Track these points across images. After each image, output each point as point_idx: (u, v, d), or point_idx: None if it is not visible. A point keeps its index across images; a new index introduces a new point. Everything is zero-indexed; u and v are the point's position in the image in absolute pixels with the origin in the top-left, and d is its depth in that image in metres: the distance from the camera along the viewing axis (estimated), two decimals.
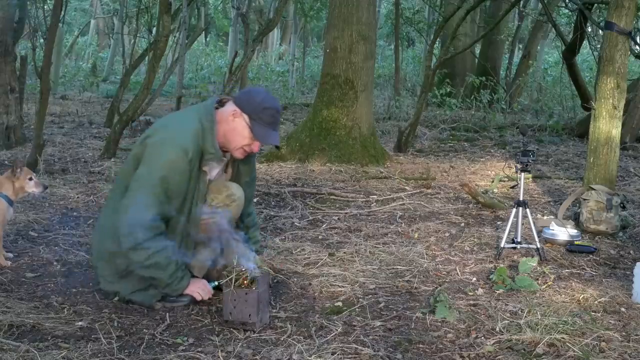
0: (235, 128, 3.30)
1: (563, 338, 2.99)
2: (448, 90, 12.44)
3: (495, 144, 9.26)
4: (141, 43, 17.46)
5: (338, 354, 2.85)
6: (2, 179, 3.90)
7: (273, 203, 5.57)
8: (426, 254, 4.29)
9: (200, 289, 3.34)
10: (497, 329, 3.13)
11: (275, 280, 3.70)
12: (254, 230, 3.77)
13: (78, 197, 5.46)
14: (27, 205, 5.02)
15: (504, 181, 6.47)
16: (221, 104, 3.40)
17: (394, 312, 3.35)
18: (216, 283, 3.30)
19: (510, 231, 4.31)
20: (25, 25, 8.81)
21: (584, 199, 4.93)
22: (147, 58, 10.28)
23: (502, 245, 4.25)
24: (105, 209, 3.44)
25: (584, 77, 11.93)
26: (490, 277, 3.84)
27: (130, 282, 3.31)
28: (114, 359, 2.79)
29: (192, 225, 3.31)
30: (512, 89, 13.30)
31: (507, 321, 3.21)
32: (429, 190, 6.17)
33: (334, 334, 3.06)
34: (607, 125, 5.07)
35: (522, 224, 4.38)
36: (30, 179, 3.93)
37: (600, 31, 9.77)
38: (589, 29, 12.75)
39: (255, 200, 5.60)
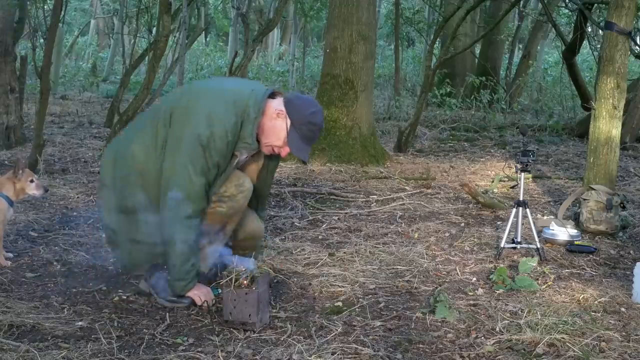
0: (275, 127, 3.27)
1: (563, 338, 2.99)
2: (448, 90, 12.43)
3: (495, 144, 9.26)
4: (141, 43, 17.46)
5: (338, 354, 2.85)
6: (3, 180, 3.90)
7: (273, 203, 5.57)
8: (426, 254, 4.29)
9: (202, 294, 3.32)
10: (497, 329, 3.13)
11: (275, 280, 3.70)
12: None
13: (78, 197, 5.46)
14: (27, 205, 5.02)
15: (504, 181, 6.47)
16: (273, 96, 3.35)
17: (394, 312, 3.35)
18: (219, 291, 3.28)
19: (510, 231, 4.31)
20: (25, 25, 8.81)
21: (584, 199, 4.93)
22: (147, 58, 10.28)
23: (502, 245, 4.25)
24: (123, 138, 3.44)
25: (584, 77, 11.93)
26: (490, 277, 3.84)
27: (130, 223, 3.29)
28: (114, 359, 2.79)
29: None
30: (512, 89, 13.29)
31: (507, 321, 3.21)
32: (429, 190, 6.17)
33: (334, 334, 3.06)
34: (607, 125, 5.07)
35: (522, 224, 4.38)
36: (32, 181, 3.93)
37: (600, 31, 9.78)
38: (589, 29, 12.75)
39: None
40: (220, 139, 3.15)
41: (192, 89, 3.44)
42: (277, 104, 3.30)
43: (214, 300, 3.33)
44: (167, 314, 3.26)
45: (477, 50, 15.14)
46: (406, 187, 6.29)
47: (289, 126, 3.27)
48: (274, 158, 3.51)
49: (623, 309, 3.45)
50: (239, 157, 3.32)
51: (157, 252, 3.31)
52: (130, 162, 3.27)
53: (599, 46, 7.81)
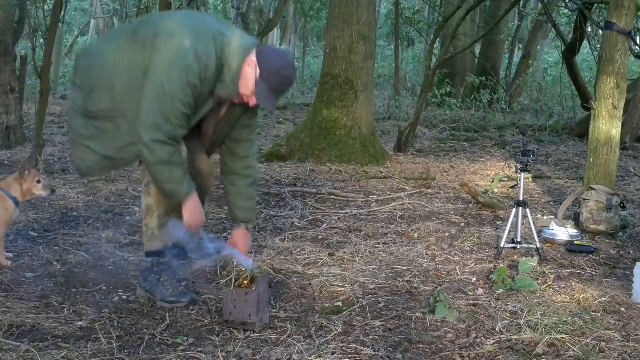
0: (246, 76, 3.23)
1: (563, 338, 3.00)
2: (448, 90, 12.42)
3: (495, 144, 9.26)
4: None
5: (338, 354, 2.85)
6: (10, 180, 3.93)
7: (273, 203, 5.57)
8: (426, 254, 4.29)
9: (195, 213, 3.27)
10: (497, 329, 3.13)
11: (275, 280, 3.70)
12: (247, 186, 3.56)
13: (78, 197, 5.46)
14: (27, 205, 5.01)
15: (504, 181, 6.47)
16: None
17: (394, 312, 3.36)
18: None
19: (510, 231, 4.31)
20: (25, 25, 8.81)
21: (584, 199, 4.93)
22: None
23: (502, 245, 4.25)
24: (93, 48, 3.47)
25: (584, 77, 11.91)
26: (490, 277, 3.84)
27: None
28: (114, 359, 2.79)
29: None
30: (512, 89, 13.28)
31: (507, 321, 3.22)
32: (429, 190, 6.16)
33: (334, 334, 3.06)
34: (607, 125, 5.06)
35: (522, 224, 4.38)
36: (39, 181, 3.95)
37: (600, 31, 9.78)
38: (589, 29, 12.75)
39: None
40: (199, 74, 3.11)
41: (182, 20, 3.34)
42: (251, 55, 3.25)
43: (203, 223, 3.32)
44: (167, 314, 3.26)
45: (477, 50, 15.13)
46: (406, 187, 6.29)
47: (258, 76, 3.21)
48: (244, 106, 3.41)
49: (623, 309, 3.45)
50: (219, 95, 3.30)
51: (107, 165, 3.34)
52: (102, 70, 3.28)
53: (599, 46, 7.81)
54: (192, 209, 3.26)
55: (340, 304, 3.44)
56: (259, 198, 5.70)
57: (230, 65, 3.20)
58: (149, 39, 3.19)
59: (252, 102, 3.29)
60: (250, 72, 3.22)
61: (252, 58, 3.22)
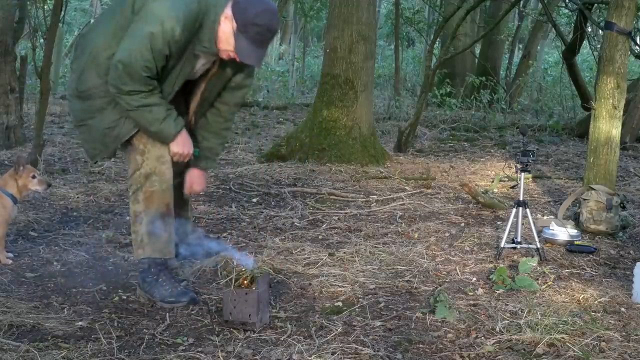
0: (224, 32, 3.19)
1: (563, 338, 3.00)
2: (448, 90, 12.42)
3: (495, 144, 9.26)
4: None
5: (338, 354, 2.85)
6: (6, 177, 3.91)
7: (273, 203, 5.57)
8: (426, 254, 4.29)
9: (188, 147, 3.33)
10: (497, 329, 3.13)
11: (275, 280, 3.70)
12: (219, 145, 3.65)
13: (78, 197, 5.46)
14: (27, 205, 5.01)
15: (504, 181, 6.47)
16: None
17: (394, 312, 3.36)
18: (198, 151, 3.37)
19: (510, 231, 4.31)
20: (25, 25, 8.80)
21: (584, 199, 4.93)
22: None
23: (502, 245, 4.25)
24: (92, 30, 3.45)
25: (584, 77, 11.91)
26: (490, 277, 3.84)
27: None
28: (114, 359, 2.79)
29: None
30: (512, 89, 13.29)
31: (507, 321, 3.22)
32: (429, 190, 6.16)
33: (334, 334, 3.06)
34: (607, 125, 5.06)
35: (522, 224, 4.38)
36: (34, 176, 3.93)
37: (600, 31, 9.78)
38: (589, 29, 12.74)
39: (255, 200, 5.62)
40: (173, 31, 3.11)
41: None
42: (227, 9, 3.21)
43: (192, 154, 3.36)
44: (167, 314, 3.26)
45: (477, 50, 15.12)
46: (406, 187, 6.29)
47: (235, 30, 3.16)
48: (236, 65, 3.37)
49: (623, 309, 3.45)
50: (200, 59, 3.31)
51: (110, 139, 3.34)
52: (88, 47, 3.31)
53: (599, 46, 7.81)
54: (180, 142, 3.32)
55: (340, 304, 3.44)
56: (259, 198, 5.70)
57: (208, 23, 3.18)
58: (137, 7, 3.22)
59: (237, 57, 3.25)
60: (226, 27, 3.17)
61: (228, 11, 3.17)
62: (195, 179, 3.59)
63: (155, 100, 3.22)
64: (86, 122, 3.36)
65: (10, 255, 3.98)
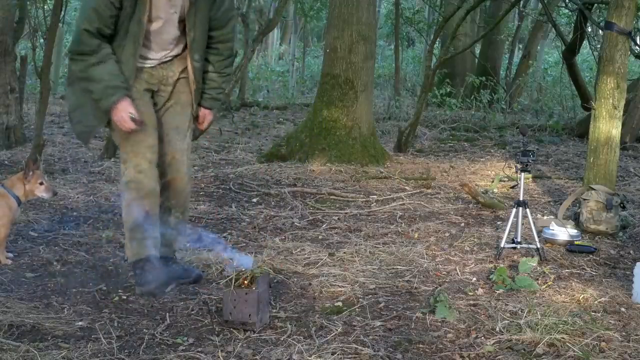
0: None
1: (563, 338, 3.00)
2: (448, 90, 12.42)
3: (495, 144, 9.26)
4: None
5: (338, 354, 2.85)
6: (14, 180, 3.95)
7: (273, 203, 5.57)
8: (426, 254, 4.29)
9: (124, 113, 3.33)
10: (497, 329, 3.13)
11: (275, 280, 3.70)
12: (223, 83, 3.74)
13: (78, 197, 5.46)
14: (27, 205, 5.01)
15: (504, 181, 6.47)
16: None
17: (394, 312, 3.35)
18: (133, 115, 3.35)
19: (510, 231, 4.31)
20: (25, 25, 8.81)
21: (584, 199, 4.93)
22: None
23: (502, 245, 4.25)
24: None
25: (584, 77, 11.91)
26: (490, 277, 3.84)
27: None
28: (114, 359, 2.79)
29: (135, 43, 3.34)
30: (512, 89, 13.28)
31: (507, 321, 3.22)
32: (429, 190, 6.16)
33: (334, 334, 3.06)
34: (607, 125, 5.06)
35: (522, 224, 4.38)
36: (41, 183, 3.97)
37: (600, 31, 9.77)
38: (589, 29, 12.74)
39: (255, 200, 5.62)
40: None
41: None
42: None
43: (132, 117, 3.35)
44: (167, 314, 3.26)
45: (477, 50, 15.12)
46: (406, 187, 6.29)
47: None
48: (214, 5, 3.48)
49: (623, 309, 3.45)
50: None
51: (102, 113, 3.40)
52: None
53: (599, 46, 7.81)
54: (116, 113, 3.34)
55: (340, 304, 3.44)
56: (259, 198, 5.70)
57: None
58: None
59: None
60: None
61: None
62: (204, 118, 3.72)
63: (97, 70, 3.29)
64: (82, 101, 3.42)
65: (10, 255, 3.98)
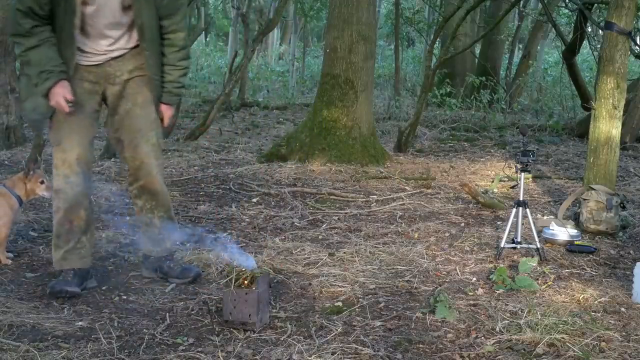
0: None
1: (563, 338, 3.00)
2: (448, 90, 12.43)
3: (495, 144, 9.26)
4: None
5: (338, 354, 2.85)
6: (16, 179, 3.97)
7: (273, 203, 5.57)
8: (426, 254, 4.29)
9: (59, 97, 3.28)
10: (497, 329, 3.13)
11: (275, 280, 3.70)
12: (180, 76, 3.63)
13: None
14: (27, 205, 5.01)
15: (504, 181, 6.47)
16: None
17: (394, 312, 3.36)
18: (71, 104, 3.31)
19: (510, 231, 4.31)
20: None
21: (584, 199, 4.93)
22: None
23: (502, 245, 4.25)
24: None
25: (584, 77, 11.92)
26: (490, 277, 3.84)
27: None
28: (114, 359, 2.79)
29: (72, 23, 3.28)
30: (512, 89, 13.29)
31: (507, 321, 3.22)
32: (429, 190, 6.17)
33: (334, 334, 3.06)
34: (607, 125, 5.07)
35: (522, 224, 4.38)
36: (42, 182, 3.98)
37: (600, 31, 9.77)
38: (589, 29, 12.74)
39: (255, 200, 5.62)
40: None
41: None
42: None
43: (69, 103, 3.31)
44: (167, 314, 3.26)
45: (477, 50, 15.13)
46: (406, 187, 6.29)
47: None
48: None
49: (623, 309, 3.45)
50: None
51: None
52: None
53: (599, 46, 7.81)
54: (51, 97, 3.29)
55: (340, 304, 3.44)
56: (259, 198, 5.70)
57: None
58: None
59: None
60: None
61: None
62: (162, 115, 3.63)
63: (33, 54, 3.26)
64: (31, 88, 3.35)
65: (10, 255, 3.98)
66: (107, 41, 3.41)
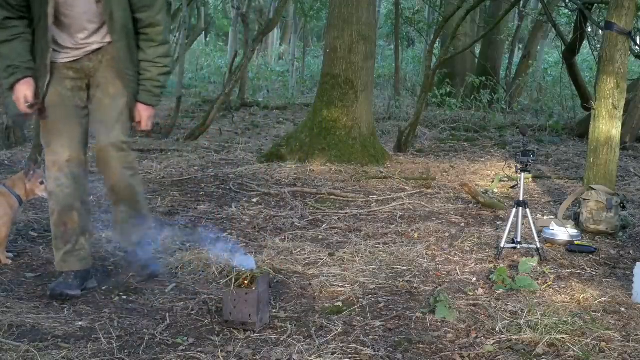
0: None
1: (563, 338, 3.00)
2: (448, 90, 12.43)
3: (495, 144, 9.26)
4: None
5: (338, 354, 2.85)
6: (16, 179, 3.97)
7: (273, 203, 5.57)
8: (426, 254, 4.29)
9: (20, 95, 3.26)
10: (497, 329, 3.13)
11: (275, 280, 3.70)
12: (160, 74, 3.47)
13: None
14: (27, 205, 5.01)
15: (504, 181, 6.47)
16: None
17: (394, 312, 3.36)
18: (31, 103, 3.27)
19: (510, 231, 4.31)
20: None
21: (584, 199, 4.93)
22: None
23: (502, 245, 4.25)
24: None
25: (584, 77, 11.92)
26: (490, 277, 3.84)
27: None
28: (114, 359, 2.79)
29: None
30: (512, 89, 13.29)
31: (507, 321, 3.22)
32: (429, 190, 6.17)
33: (334, 334, 3.06)
34: (607, 125, 5.07)
35: (522, 224, 4.38)
36: (42, 182, 3.98)
37: (600, 31, 9.77)
38: (589, 29, 12.73)
39: (255, 200, 5.62)
40: None
41: None
42: None
43: (30, 103, 3.28)
44: (167, 314, 3.26)
45: (477, 50, 15.13)
46: (406, 187, 6.29)
47: None
48: None
49: (623, 309, 3.45)
50: None
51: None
52: None
53: (599, 46, 7.81)
54: (15, 94, 3.27)
55: (340, 304, 3.44)
56: (259, 198, 5.70)
57: None
58: None
59: None
60: None
61: None
62: (140, 115, 3.47)
63: (4, 47, 3.22)
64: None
65: (10, 255, 3.98)
66: (83, 34, 3.32)
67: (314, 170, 6.87)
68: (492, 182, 6.56)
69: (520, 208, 4.34)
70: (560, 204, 5.26)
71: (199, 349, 2.88)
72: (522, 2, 13.37)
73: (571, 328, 3.11)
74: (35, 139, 6.32)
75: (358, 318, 3.26)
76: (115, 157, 3.45)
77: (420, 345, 2.98)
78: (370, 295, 3.57)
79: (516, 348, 2.95)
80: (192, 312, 3.29)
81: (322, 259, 4.11)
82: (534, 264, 3.95)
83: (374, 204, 5.66)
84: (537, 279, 3.81)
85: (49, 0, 3.19)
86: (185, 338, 3.00)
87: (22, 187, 3.96)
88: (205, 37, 29.93)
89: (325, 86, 7.57)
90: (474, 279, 3.88)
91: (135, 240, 3.71)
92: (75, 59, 3.38)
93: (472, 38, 13.36)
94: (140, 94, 3.43)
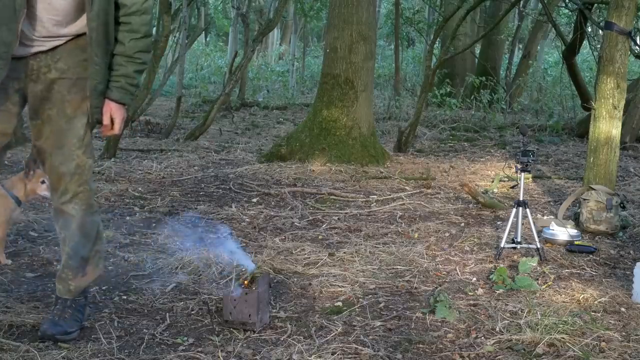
0: None
1: (563, 338, 2.99)
2: (448, 90, 12.43)
3: (495, 144, 9.26)
4: None
5: (338, 354, 2.85)
6: (15, 180, 3.95)
7: (273, 203, 5.57)
8: (426, 254, 4.29)
9: None
10: (497, 329, 3.13)
11: (275, 280, 3.70)
12: (135, 71, 2.89)
13: None
14: (27, 205, 5.01)
15: (504, 181, 6.47)
16: None
17: (394, 312, 3.35)
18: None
19: (510, 231, 4.31)
20: None
21: (584, 199, 4.93)
22: None
23: (502, 245, 4.25)
24: None
25: (584, 77, 11.92)
26: (490, 277, 3.84)
27: None
28: (114, 359, 2.79)
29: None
30: (512, 89, 13.29)
31: (507, 321, 3.22)
32: (429, 190, 6.17)
33: (334, 334, 3.06)
34: (607, 125, 5.07)
35: (522, 224, 4.38)
36: (43, 182, 3.96)
37: (600, 31, 9.77)
38: (589, 29, 12.73)
39: (255, 200, 5.62)
40: None
41: None
42: None
43: None
44: (167, 314, 3.26)
45: (477, 50, 15.13)
46: (406, 187, 6.29)
47: None
48: None
49: (623, 309, 3.45)
50: None
51: None
52: None
53: (599, 46, 7.81)
54: None
55: (340, 304, 3.44)
56: (259, 198, 5.70)
57: None
58: None
59: None
60: None
61: None
62: (112, 115, 2.90)
63: None
64: None
65: (9, 262, 3.97)
66: (55, 28, 2.79)
67: (314, 170, 6.87)
68: (492, 182, 6.56)
69: (520, 208, 4.34)
70: (560, 204, 5.26)
71: (199, 349, 2.88)
72: (522, 2, 13.36)
73: (571, 328, 3.11)
74: None
75: (358, 318, 3.26)
76: (72, 190, 2.96)
77: (420, 345, 2.98)
78: (370, 295, 3.57)
79: (516, 348, 2.95)
80: (192, 312, 3.29)
81: (322, 259, 4.11)
82: (534, 264, 3.95)
83: (374, 204, 5.66)
84: (537, 279, 3.81)
85: None
86: (185, 338, 3.00)
87: (21, 188, 3.93)
88: (205, 37, 29.93)
89: (325, 86, 7.57)
90: (474, 279, 3.88)
91: (74, 287, 3.03)
92: (19, 56, 2.86)
93: (472, 38, 13.37)
94: (113, 91, 2.86)
